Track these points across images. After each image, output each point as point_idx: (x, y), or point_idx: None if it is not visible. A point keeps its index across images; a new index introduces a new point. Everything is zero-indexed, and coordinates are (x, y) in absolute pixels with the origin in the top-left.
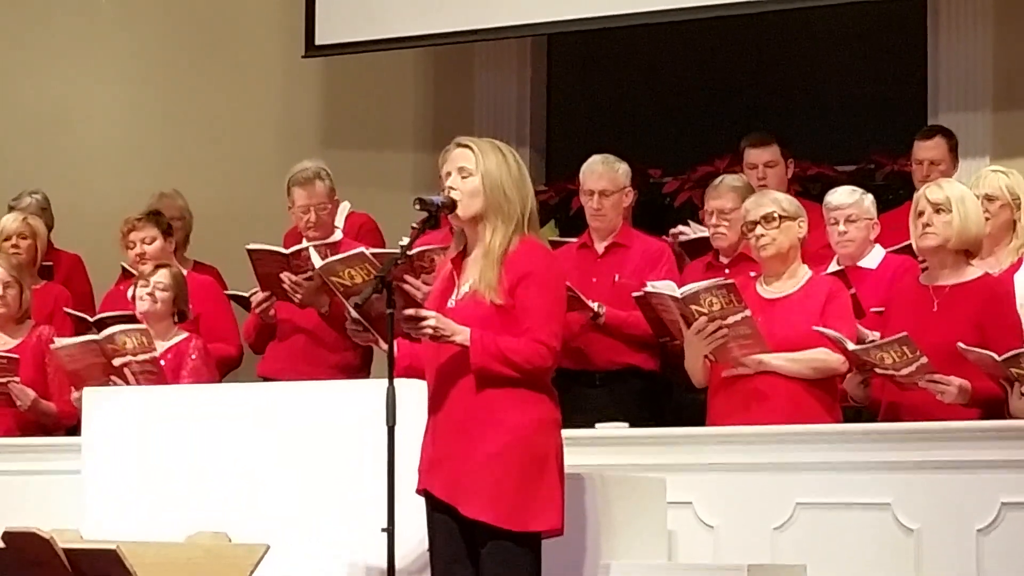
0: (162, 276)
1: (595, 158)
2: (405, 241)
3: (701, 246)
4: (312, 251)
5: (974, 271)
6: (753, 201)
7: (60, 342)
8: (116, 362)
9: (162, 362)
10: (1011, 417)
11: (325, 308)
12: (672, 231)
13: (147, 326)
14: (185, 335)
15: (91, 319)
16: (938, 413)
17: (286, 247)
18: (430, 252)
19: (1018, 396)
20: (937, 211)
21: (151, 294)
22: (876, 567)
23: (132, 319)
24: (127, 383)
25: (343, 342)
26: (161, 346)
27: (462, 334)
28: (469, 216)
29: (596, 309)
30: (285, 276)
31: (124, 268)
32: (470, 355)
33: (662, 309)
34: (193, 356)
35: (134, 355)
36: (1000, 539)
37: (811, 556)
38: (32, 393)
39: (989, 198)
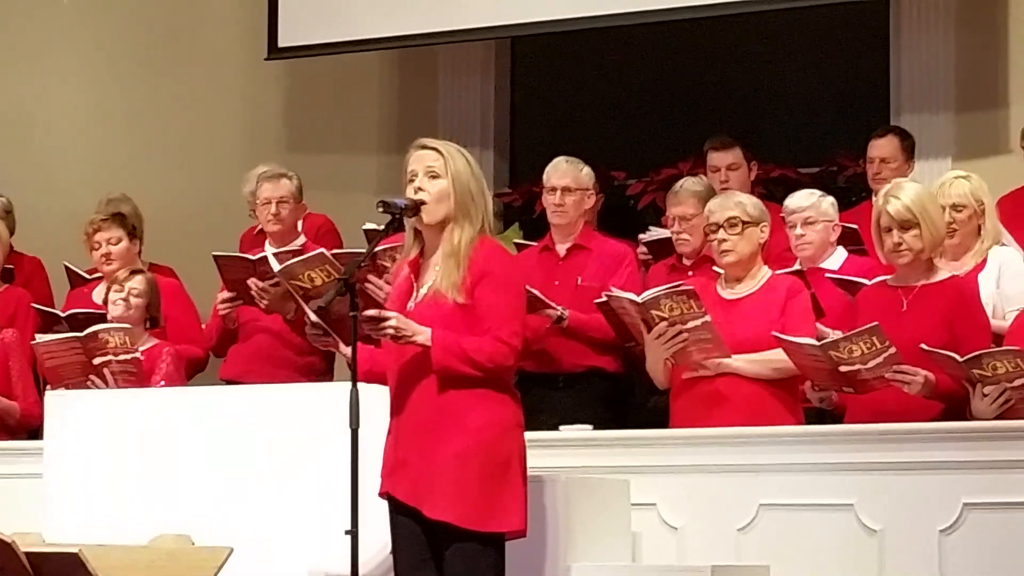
0: (137, 282)
1: (560, 158)
2: (369, 226)
3: (667, 246)
4: (271, 257)
5: (943, 272)
6: (717, 203)
7: (41, 338)
8: (96, 361)
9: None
10: (972, 418)
11: (291, 314)
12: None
13: (130, 326)
14: (156, 342)
15: (62, 314)
16: (903, 414)
17: (242, 248)
18: (391, 251)
19: (979, 397)
20: (904, 228)
21: (125, 299)
22: (839, 568)
23: (102, 317)
24: (105, 383)
25: (309, 345)
26: None
27: (423, 334)
28: (437, 220)
29: (560, 313)
30: (252, 283)
31: (70, 269)
32: (432, 355)
33: (623, 312)
34: (166, 363)
35: (115, 354)
36: (962, 539)
37: (775, 557)
38: None
39: (956, 207)
